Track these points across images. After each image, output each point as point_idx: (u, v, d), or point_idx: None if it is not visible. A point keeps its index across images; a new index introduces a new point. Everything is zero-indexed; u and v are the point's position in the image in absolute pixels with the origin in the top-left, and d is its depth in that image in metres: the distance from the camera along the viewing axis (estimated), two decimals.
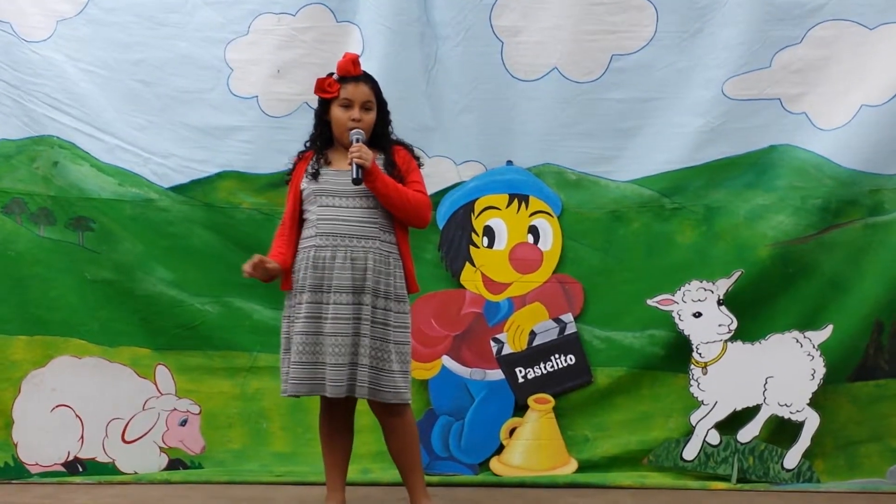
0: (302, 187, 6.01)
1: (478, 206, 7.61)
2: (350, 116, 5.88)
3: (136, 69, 7.80)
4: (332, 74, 6.01)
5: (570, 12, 7.66)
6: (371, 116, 5.93)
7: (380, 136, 6.02)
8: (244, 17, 7.80)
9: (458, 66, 7.73)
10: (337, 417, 6.02)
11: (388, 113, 6.07)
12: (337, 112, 5.91)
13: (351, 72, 5.94)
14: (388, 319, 5.84)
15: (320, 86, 5.96)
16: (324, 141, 6.02)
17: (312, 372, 5.79)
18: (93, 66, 7.78)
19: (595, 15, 7.65)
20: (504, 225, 7.62)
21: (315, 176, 5.95)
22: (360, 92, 5.90)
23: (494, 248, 7.63)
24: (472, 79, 7.72)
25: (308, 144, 6.10)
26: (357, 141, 5.80)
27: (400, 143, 6.11)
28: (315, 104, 7.53)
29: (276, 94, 7.78)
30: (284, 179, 6.19)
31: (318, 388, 5.80)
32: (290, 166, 6.17)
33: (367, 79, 6.00)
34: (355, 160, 5.70)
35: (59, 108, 7.72)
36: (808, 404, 7.25)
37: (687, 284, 7.36)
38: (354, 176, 5.70)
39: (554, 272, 7.62)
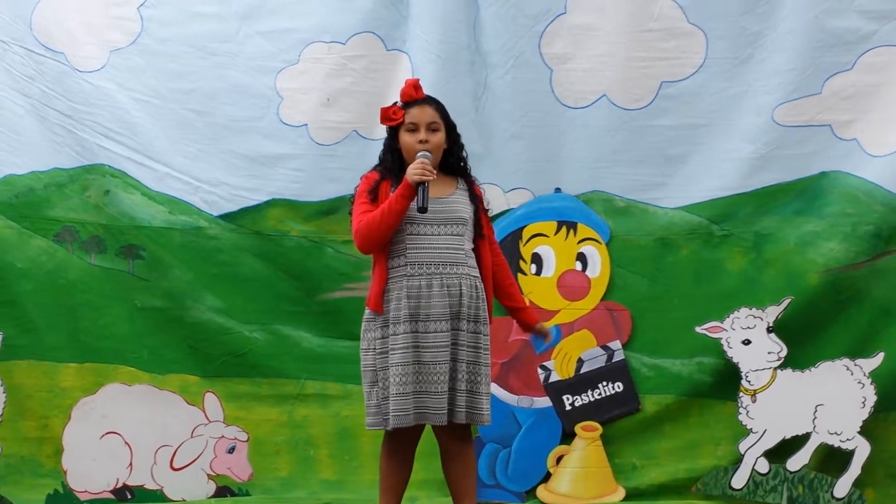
0: None
1: (526, 234, 7.60)
2: (417, 139, 5.79)
3: (188, 98, 7.85)
4: (396, 103, 5.94)
5: (620, 39, 7.67)
6: (438, 137, 5.83)
7: (456, 160, 5.97)
8: (295, 46, 7.83)
9: (508, 93, 7.75)
10: (404, 448, 5.90)
11: (458, 136, 5.98)
12: (405, 137, 5.82)
13: (413, 96, 5.88)
14: (478, 343, 5.79)
15: (385, 114, 5.87)
16: (397, 170, 5.84)
17: (416, 402, 5.67)
18: (145, 95, 7.84)
19: (645, 42, 7.65)
20: (552, 252, 7.60)
21: None
22: (424, 114, 5.82)
23: (542, 275, 7.61)
24: (522, 106, 7.74)
25: (381, 174, 5.90)
26: (421, 159, 5.67)
27: (474, 177, 6.04)
28: (364, 133, 7.68)
29: (326, 122, 7.82)
30: (366, 189, 5.84)
31: (422, 418, 5.69)
32: (374, 182, 5.86)
33: (431, 101, 5.92)
34: (418, 177, 5.57)
35: (111, 137, 7.78)
36: (859, 433, 7.19)
37: (736, 312, 7.34)
38: (420, 204, 5.58)
39: (602, 299, 7.61)
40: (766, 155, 7.51)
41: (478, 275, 5.84)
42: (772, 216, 7.53)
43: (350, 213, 5.83)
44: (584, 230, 7.63)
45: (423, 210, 5.58)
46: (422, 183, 5.58)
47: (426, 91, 7.25)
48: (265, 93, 7.84)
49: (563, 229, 7.63)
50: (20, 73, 7.76)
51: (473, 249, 5.86)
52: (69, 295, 7.70)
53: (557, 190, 7.70)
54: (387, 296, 5.75)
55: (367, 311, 5.81)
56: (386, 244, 5.76)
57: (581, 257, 7.62)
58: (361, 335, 5.82)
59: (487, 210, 5.99)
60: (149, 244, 7.76)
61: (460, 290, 5.71)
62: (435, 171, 5.68)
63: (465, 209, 5.82)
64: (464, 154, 5.99)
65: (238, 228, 7.79)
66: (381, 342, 5.74)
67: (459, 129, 7.02)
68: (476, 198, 5.91)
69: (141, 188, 7.79)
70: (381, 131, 7.52)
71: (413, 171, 5.59)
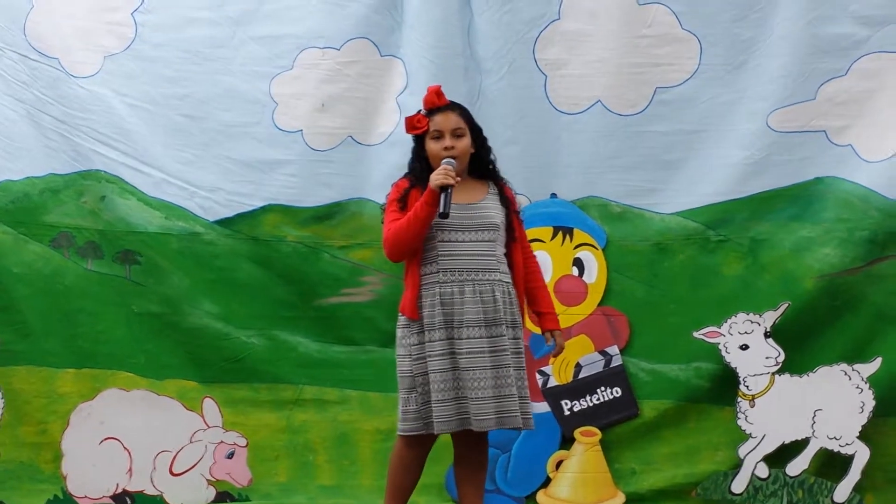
0: None
1: None
2: (443, 146, 5.79)
3: (183, 104, 7.86)
4: (419, 111, 5.92)
5: (614, 45, 7.68)
6: (464, 143, 5.83)
7: (485, 164, 5.98)
8: (289, 52, 7.84)
9: (502, 99, 7.75)
10: (418, 453, 5.91)
11: (485, 140, 5.99)
12: (430, 145, 5.83)
13: (436, 103, 5.88)
14: (519, 348, 5.82)
15: (410, 123, 5.87)
16: (426, 178, 5.76)
17: (456, 408, 5.70)
18: (139, 100, 7.85)
19: (639, 48, 7.66)
20: (549, 257, 7.61)
21: None
22: (448, 120, 5.82)
23: None
24: (516, 112, 7.74)
25: (411, 182, 5.89)
26: (444, 165, 5.67)
27: (504, 180, 6.05)
28: (359, 138, 7.68)
29: (321, 127, 7.82)
30: (396, 198, 5.86)
31: (465, 423, 5.72)
32: (404, 190, 5.86)
33: (455, 107, 5.93)
34: (441, 181, 5.58)
35: (106, 142, 7.78)
36: (858, 437, 7.22)
37: (733, 317, 7.36)
38: (442, 209, 5.57)
39: (599, 305, 7.63)
40: (761, 160, 7.52)
41: (510, 280, 5.86)
42: (767, 222, 7.54)
43: (383, 223, 5.85)
44: (580, 235, 7.65)
45: (444, 215, 5.58)
46: (444, 188, 5.59)
47: (421, 96, 7.28)
48: (260, 98, 7.85)
49: (560, 235, 7.65)
50: (14, 78, 7.77)
51: (506, 254, 5.89)
52: (66, 300, 7.71)
53: (553, 195, 7.71)
54: (420, 302, 5.77)
55: (401, 317, 5.82)
56: (418, 251, 5.79)
57: (577, 263, 7.64)
58: (397, 342, 5.85)
59: (518, 212, 6.00)
60: (145, 250, 7.76)
61: (493, 296, 5.73)
62: (459, 177, 5.70)
63: (496, 214, 5.84)
64: (492, 157, 6.00)
65: (234, 234, 7.80)
66: (419, 348, 5.76)
67: None
68: (507, 201, 5.94)
69: (137, 194, 7.80)
70: (376, 136, 7.68)
71: (435, 177, 5.60)
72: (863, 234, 7.41)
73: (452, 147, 5.78)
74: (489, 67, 7.77)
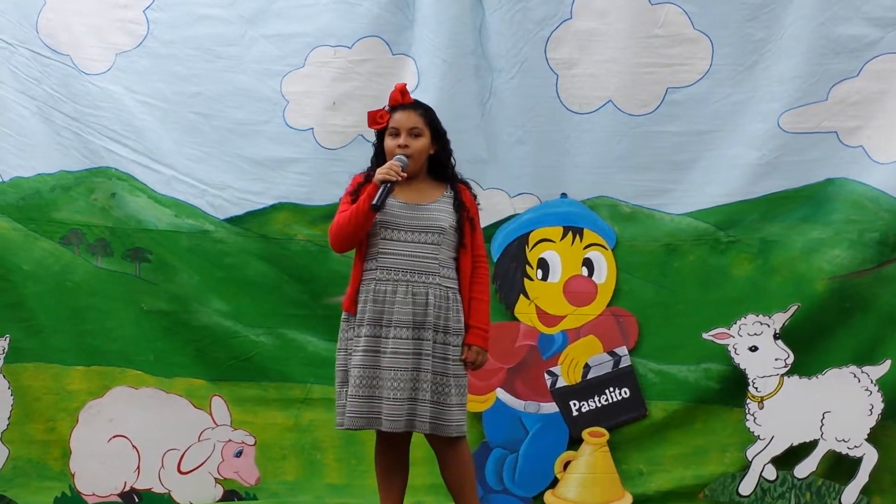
0: None
1: (532, 239, 7.61)
2: (397, 143, 5.84)
3: (194, 101, 7.85)
4: (384, 108, 5.99)
5: (626, 45, 7.66)
6: (420, 143, 5.87)
7: (443, 167, 6.00)
8: (301, 50, 7.83)
9: (513, 98, 7.74)
10: (394, 452, 5.97)
11: (447, 143, 6.01)
12: (387, 141, 5.90)
13: (399, 100, 5.95)
14: (447, 353, 5.81)
15: (372, 118, 5.96)
16: None
17: (369, 406, 5.75)
18: (151, 98, 7.84)
19: (650, 48, 7.64)
20: (558, 257, 7.61)
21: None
22: (406, 119, 5.87)
23: (549, 280, 7.62)
24: (527, 111, 7.73)
25: (367, 176, 5.94)
26: (393, 161, 5.76)
27: (463, 181, 6.06)
28: (370, 137, 7.61)
29: (332, 126, 7.81)
30: (350, 190, 5.94)
31: (375, 423, 5.77)
32: (357, 184, 5.93)
33: (417, 106, 5.97)
34: (382, 176, 5.68)
35: (117, 140, 7.78)
36: (866, 440, 7.21)
37: (743, 318, 7.35)
38: (374, 202, 5.65)
39: (608, 305, 7.61)
40: (772, 161, 7.50)
41: (453, 285, 5.89)
42: (778, 223, 7.52)
43: None
44: (590, 236, 7.63)
45: (375, 208, 5.66)
46: (385, 182, 5.66)
47: (433, 95, 7.33)
48: (271, 96, 7.84)
49: (570, 235, 7.63)
50: (26, 75, 7.77)
51: (456, 258, 5.91)
52: (75, 297, 7.71)
53: (563, 195, 7.69)
54: (358, 297, 5.85)
55: (343, 311, 5.92)
56: (363, 247, 5.88)
57: (587, 263, 7.63)
58: (339, 335, 5.94)
59: (472, 219, 5.98)
60: (155, 247, 7.76)
61: (426, 298, 5.76)
62: (409, 176, 5.78)
63: (444, 218, 5.86)
64: (452, 161, 6.03)
65: (244, 232, 7.79)
66: (350, 343, 5.85)
67: (465, 134, 7.06)
68: (462, 206, 5.94)
69: (147, 191, 7.80)
70: None
71: (379, 171, 5.71)
72: (873, 235, 7.38)
73: (406, 146, 5.84)
74: (501, 66, 7.76)
